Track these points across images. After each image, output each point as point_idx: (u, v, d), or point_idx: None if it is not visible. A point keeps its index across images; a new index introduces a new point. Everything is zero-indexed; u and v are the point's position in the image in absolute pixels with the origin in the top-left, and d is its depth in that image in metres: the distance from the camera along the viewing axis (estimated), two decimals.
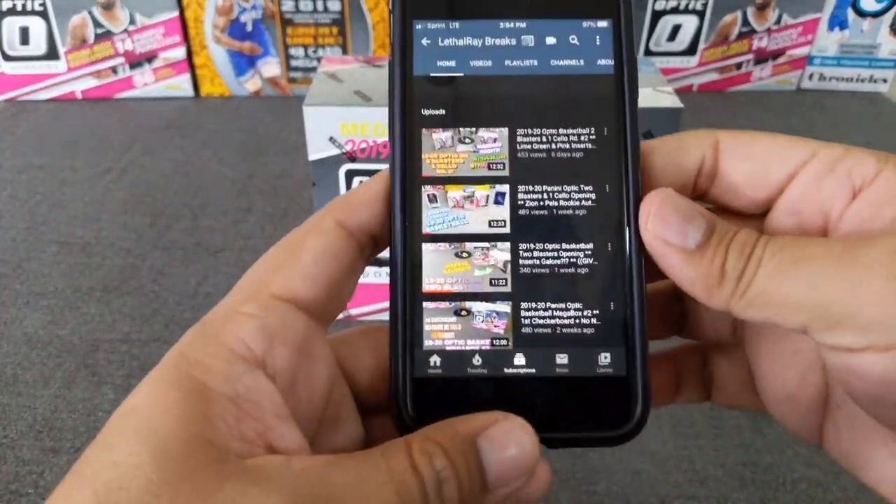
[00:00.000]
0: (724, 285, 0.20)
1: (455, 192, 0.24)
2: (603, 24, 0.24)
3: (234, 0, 0.86)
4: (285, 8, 0.87)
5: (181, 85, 0.91)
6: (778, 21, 0.90)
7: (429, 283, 0.23)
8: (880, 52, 0.92)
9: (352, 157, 0.49)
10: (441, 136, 0.24)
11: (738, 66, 0.93)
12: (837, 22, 0.91)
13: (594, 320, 0.23)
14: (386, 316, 0.57)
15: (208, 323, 0.20)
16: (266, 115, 0.88)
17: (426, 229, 0.23)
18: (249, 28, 0.89)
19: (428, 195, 0.23)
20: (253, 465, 0.18)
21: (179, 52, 0.89)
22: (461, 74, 0.24)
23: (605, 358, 0.23)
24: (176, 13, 0.86)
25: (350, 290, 0.23)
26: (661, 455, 0.47)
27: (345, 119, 0.48)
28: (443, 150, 0.24)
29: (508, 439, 0.20)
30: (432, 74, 0.24)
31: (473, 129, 0.24)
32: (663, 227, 0.21)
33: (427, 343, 0.23)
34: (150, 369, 0.19)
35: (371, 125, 0.48)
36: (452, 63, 0.24)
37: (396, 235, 0.23)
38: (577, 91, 0.24)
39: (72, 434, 0.48)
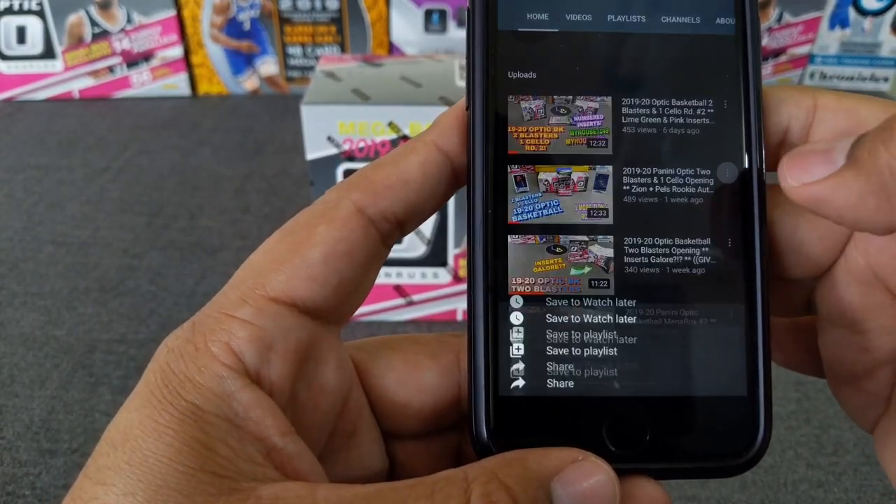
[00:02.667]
0: None
1: (547, 174, 0.20)
2: None
3: None
4: (283, 6, 0.87)
5: (178, 84, 0.91)
6: (779, 19, 0.90)
7: (515, 284, 0.19)
8: (882, 51, 0.92)
9: (349, 157, 0.49)
10: (531, 104, 0.20)
11: None
12: (839, 20, 0.91)
13: (711, 330, 0.20)
14: (389, 317, 0.57)
15: (197, 329, 0.18)
16: (264, 114, 0.88)
17: (512, 218, 0.20)
18: (247, 27, 0.88)
19: (515, 177, 0.20)
20: (268, 495, 0.15)
21: (177, 51, 0.88)
22: (555, 30, 0.20)
23: (724, 375, 0.20)
24: (173, 12, 0.86)
25: (367, 287, 0.20)
26: None
27: (343, 118, 0.48)
28: (533, 121, 0.20)
29: (595, 485, 0.17)
30: (521, 29, 0.20)
31: (570, 98, 0.20)
32: (804, 169, 0.18)
33: (514, 355, 0.19)
34: None
35: (369, 124, 0.48)
36: (545, 16, 0.20)
37: (476, 226, 0.19)
38: (693, 54, 0.20)
39: (69, 435, 0.47)
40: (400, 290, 0.55)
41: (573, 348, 0.19)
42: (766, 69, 0.93)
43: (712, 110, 0.20)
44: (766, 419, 0.19)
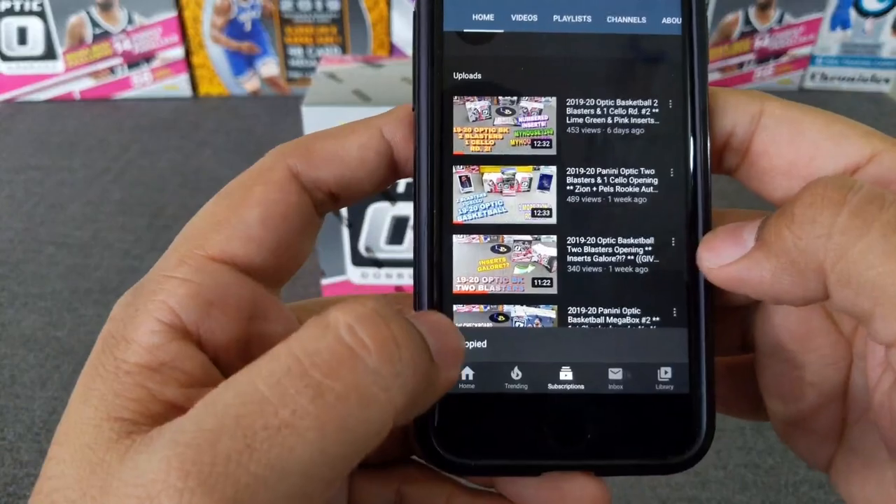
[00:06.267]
0: (810, 261, 0.17)
1: (492, 174, 0.20)
2: None
3: None
4: (284, 7, 0.87)
5: (179, 85, 0.91)
6: (780, 20, 0.90)
7: (460, 283, 0.20)
8: (883, 52, 0.92)
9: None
10: (476, 105, 0.20)
11: (740, 65, 0.93)
12: (840, 21, 0.91)
13: (653, 329, 0.20)
14: None
15: (137, 293, 0.18)
16: (265, 115, 0.88)
17: (457, 218, 0.20)
18: (248, 28, 0.88)
19: (460, 177, 0.20)
20: (162, 428, 0.15)
21: (177, 52, 0.88)
22: (501, 31, 0.20)
23: (666, 373, 0.20)
24: (174, 13, 0.86)
25: (305, 251, 0.20)
26: None
27: (344, 119, 0.47)
28: (478, 122, 0.20)
29: (437, 319, 0.17)
30: (466, 30, 0.20)
31: (514, 99, 0.20)
32: (717, 252, 0.18)
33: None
34: None
35: None
36: (490, 17, 0.20)
37: (421, 226, 0.20)
38: (638, 54, 0.20)
39: None
40: (400, 291, 0.55)
41: (516, 346, 0.20)
42: (768, 70, 0.93)
43: (657, 111, 0.20)
44: (709, 417, 0.19)
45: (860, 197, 0.16)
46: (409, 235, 0.53)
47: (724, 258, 0.18)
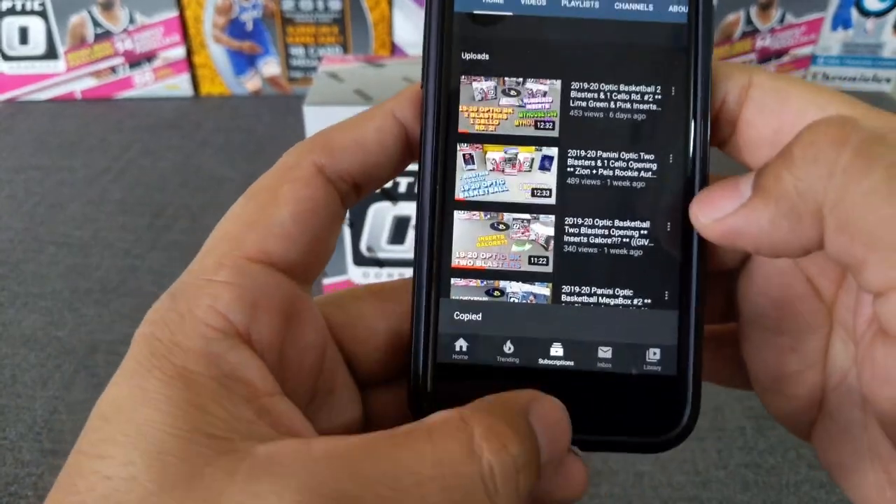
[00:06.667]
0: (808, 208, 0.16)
1: (495, 153, 0.20)
2: None
3: None
4: (286, 7, 0.87)
5: (181, 84, 0.91)
6: (781, 20, 0.90)
7: (459, 258, 0.20)
8: (884, 52, 0.92)
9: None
10: (482, 85, 0.20)
11: None
12: (841, 21, 0.90)
13: (644, 311, 0.20)
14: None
15: (178, 296, 0.17)
16: (266, 114, 0.88)
17: (459, 195, 0.20)
18: (249, 27, 0.88)
19: (464, 155, 0.20)
20: (265, 453, 0.15)
21: (179, 52, 0.88)
22: (509, 14, 0.21)
23: (654, 354, 0.20)
24: (175, 12, 0.86)
25: (332, 246, 0.20)
26: (664, 457, 0.47)
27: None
28: (484, 102, 0.21)
29: (557, 416, 0.18)
30: (476, 12, 0.21)
31: (520, 80, 0.21)
32: (713, 206, 0.18)
33: (454, 325, 0.20)
34: None
35: None
36: (500, 0, 0.21)
37: (424, 201, 0.20)
38: (644, 41, 0.21)
39: (71, 436, 0.47)
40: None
41: (510, 321, 0.20)
42: (770, 69, 0.93)
43: (660, 97, 0.21)
44: (695, 398, 0.20)
45: (863, 136, 0.16)
46: (411, 235, 0.53)
47: (720, 211, 0.18)
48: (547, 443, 0.17)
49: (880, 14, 0.90)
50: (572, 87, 0.21)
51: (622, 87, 0.21)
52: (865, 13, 0.90)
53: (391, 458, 0.15)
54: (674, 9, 0.21)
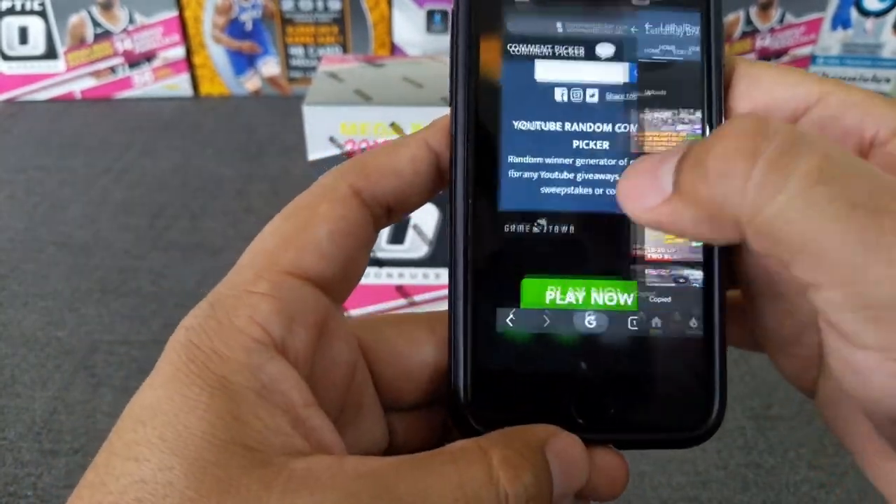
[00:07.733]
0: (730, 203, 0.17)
1: None
2: None
3: None
4: (285, 7, 0.87)
5: (180, 85, 0.91)
6: (781, 20, 0.90)
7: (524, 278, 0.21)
8: (884, 52, 0.92)
9: (352, 157, 0.49)
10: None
11: None
12: (841, 21, 0.90)
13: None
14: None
15: (217, 305, 0.18)
16: (266, 114, 0.88)
17: (502, 207, 0.21)
18: (249, 27, 0.88)
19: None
20: (300, 468, 0.16)
21: (178, 52, 0.88)
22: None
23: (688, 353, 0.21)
24: (175, 12, 0.86)
25: (363, 267, 0.21)
26: (664, 457, 0.47)
27: (345, 119, 0.48)
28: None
29: (574, 454, 0.18)
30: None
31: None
32: (638, 196, 0.18)
33: (496, 331, 0.21)
34: (149, 371, 0.17)
35: (371, 125, 0.48)
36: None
37: (458, 216, 0.21)
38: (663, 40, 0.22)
39: (70, 436, 0.47)
40: (402, 291, 0.55)
41: (547, 329, 0.21)
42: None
43: (695, 114, 0.21)
44: (721, 394, 0.21)
45: (776, 146, 0.16)
46: (410, 235, 0.53)
47: (645, 202, 0.18)
48: (561, 477, 0.18)
49: (880, 14, 0.90)
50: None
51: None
52: (865, 13, 0.90)
53: (419, 480, 0.16)
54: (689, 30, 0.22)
